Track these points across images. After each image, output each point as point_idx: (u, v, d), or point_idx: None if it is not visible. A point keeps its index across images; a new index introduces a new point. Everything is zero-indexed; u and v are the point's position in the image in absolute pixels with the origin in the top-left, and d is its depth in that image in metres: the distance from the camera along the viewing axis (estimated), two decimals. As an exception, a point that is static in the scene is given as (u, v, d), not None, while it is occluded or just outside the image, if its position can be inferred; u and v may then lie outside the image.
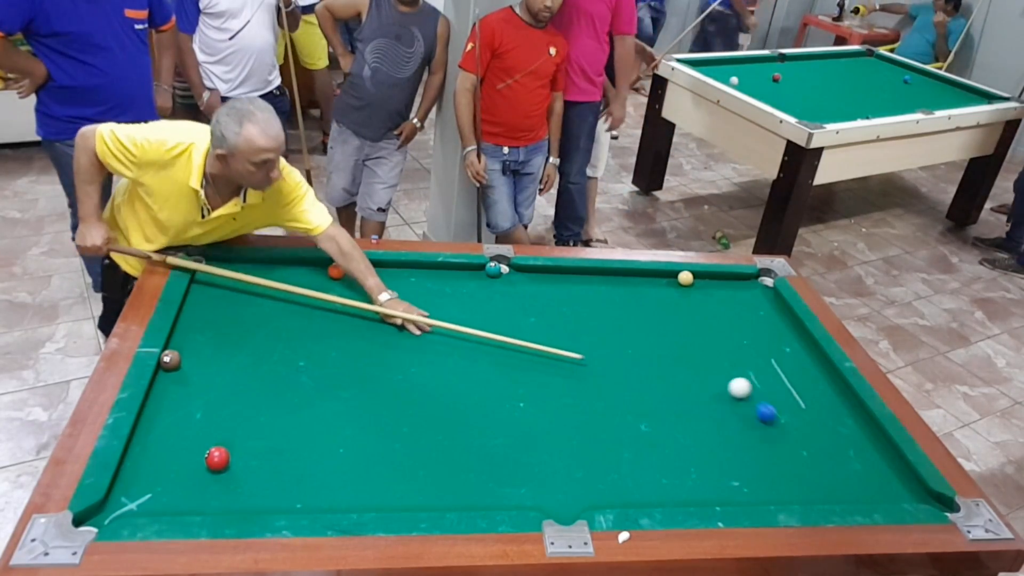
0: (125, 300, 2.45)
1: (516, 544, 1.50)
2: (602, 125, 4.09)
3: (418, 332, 2.16)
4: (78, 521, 1.43)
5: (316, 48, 4.87)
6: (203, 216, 2.20)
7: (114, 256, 2.45)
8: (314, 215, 2.31)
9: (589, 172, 4.07)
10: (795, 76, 5.03)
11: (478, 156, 3.38)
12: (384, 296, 2.19)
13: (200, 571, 1.39)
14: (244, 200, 2.21)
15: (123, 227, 2.35)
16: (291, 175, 2.28)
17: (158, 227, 2.25)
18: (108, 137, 2.12)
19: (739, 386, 2.02)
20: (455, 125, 3.43)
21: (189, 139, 2.12)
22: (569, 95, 3.64)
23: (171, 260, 2.22)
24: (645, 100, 5.12)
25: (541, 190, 3.71)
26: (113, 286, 2.54)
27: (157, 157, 2.11)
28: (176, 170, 2.12)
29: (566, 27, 3.52)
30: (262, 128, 2.04)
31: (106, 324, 2.70)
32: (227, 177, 2.13)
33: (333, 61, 4.80)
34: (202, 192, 2.13)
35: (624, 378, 2.06)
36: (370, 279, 2.23)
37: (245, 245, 2.41)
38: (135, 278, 2.43)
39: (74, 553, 1.37)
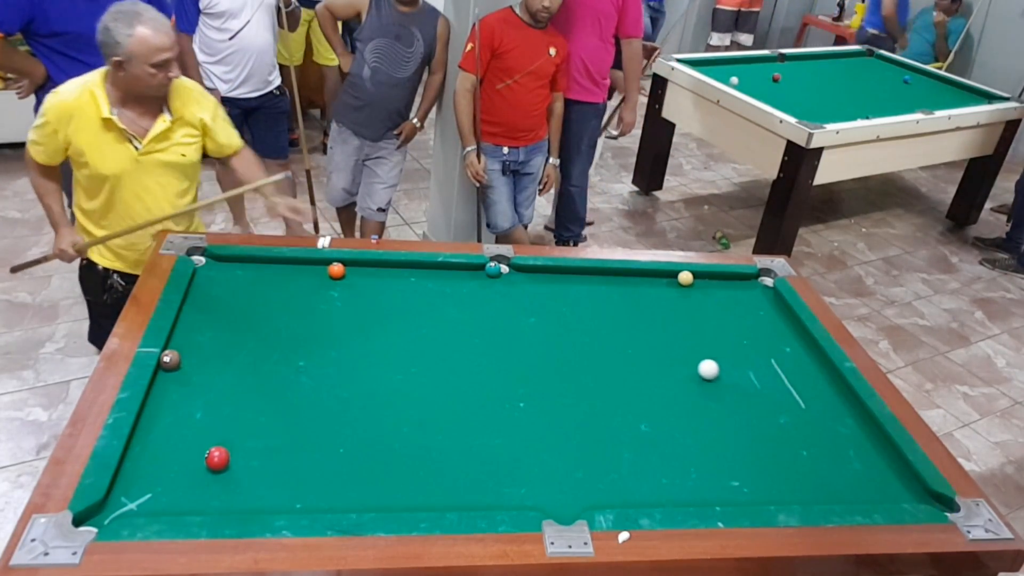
0: (107, 300, 2.47)
1: (516, 544, 1.50)
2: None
3: (298, 218, 2.40)
4: (78, 521, 1.43)
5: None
6: (137, 148, 2.21)
7: (88, 253, 2.44)
8: (232, 133, 2.43)
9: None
10: (795, 76, 5.04)
11: (478, 156, 3.38)
12: (276, 196, 2.38)
13: (200, 571, 1.39)
14: (170, 114, 2.24)
15: (84, 227, 2.37)
16: (205, 91, 2.39)
17: (107, 187, 2.25)
18: (30, 135, 2.24)
19: (708, 368, 2.06)
20: (455, 125, 3.44)
21: (82, 81, 2.17)
22: (572, 94, 3.64)
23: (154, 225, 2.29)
24: (645, 100, 5.12)
25: (541, 190, 3.71)
26: (93, 287, 2.53)
27: (63, 110, 2.15)
28: (86, 113, 2.15)
29: (571, 25, 3.51)
30: (154, 27, 2.06)
31: (96, 335, 2.68)
32: (132, 92, 2.15)
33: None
34: (116, 118, 2.15)
35: (624, 378, 2.06)
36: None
37: (245, 244, 2.41)
38: (116, 272, 2.45)
39: (74, 553, 1.37)
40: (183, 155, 2.31)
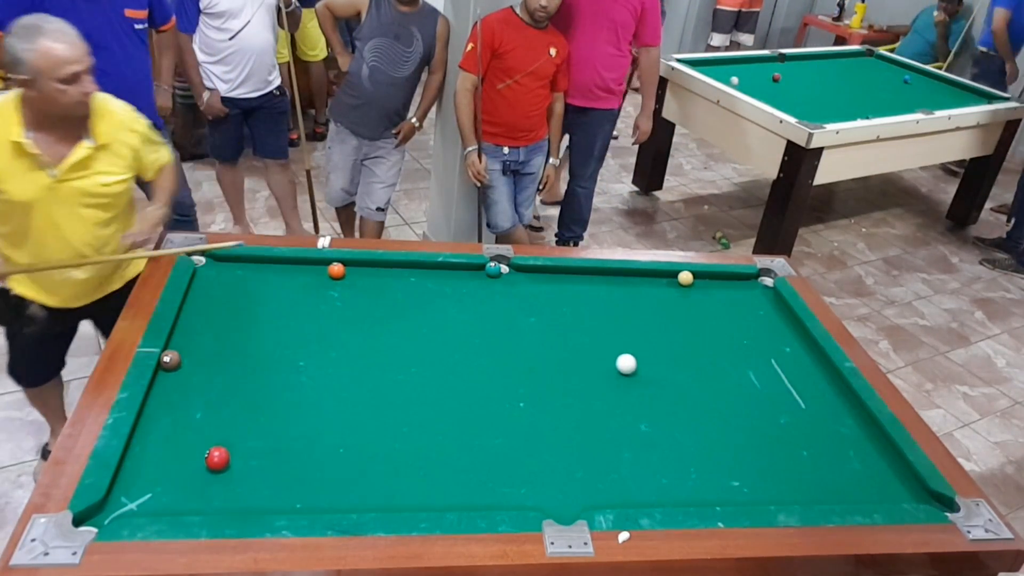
0: (28, 331, 2.26)
1: (516, 544, 1.50)
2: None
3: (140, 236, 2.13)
4: (78, 521, 1.43)
5: (316, 40, 4.92)
6: (53, 175, 2.00)
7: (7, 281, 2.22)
8: (159, 151, 2.30)
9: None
10: (795, 76, 5.04)
11: (479, 156, 3.38)
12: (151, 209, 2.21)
13: (200, 571, 1.39)
14: (93, 141, 2.05)
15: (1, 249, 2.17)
16: (136, 115, 2.22)
17: (18, 213, 2.03)
18: None
19: (626, 362, 2.05)
20: (455, 125, 3.43)
21: None
22: (587, 102, 3.65)
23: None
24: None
25: (540, 191, 3.71)
26: (6, 315, 2.28)
27: None
28: None
29: (586, 34, 3.50)
30: (58, 39, 1.89)
31: (17, 366, 2.45)
32: (48, 113, 1.96)
33: (331, 56, 4.87)
34: (29, 142, 1.95)
35: (624, 378, 2.06)
36: (156, 202, 2.25)
37: (245, 244, 2.41)
38: (32, 302, 2.24)
39: (74, 553, 1.37)
40: (104, 184, 2.10)
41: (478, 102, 3.33)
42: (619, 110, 3.87)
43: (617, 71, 3.67)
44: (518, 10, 3.28)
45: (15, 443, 2.75)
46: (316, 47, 5.00)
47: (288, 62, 3.76)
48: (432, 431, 1.80)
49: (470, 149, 3.39)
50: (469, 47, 3.26)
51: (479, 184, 3.46)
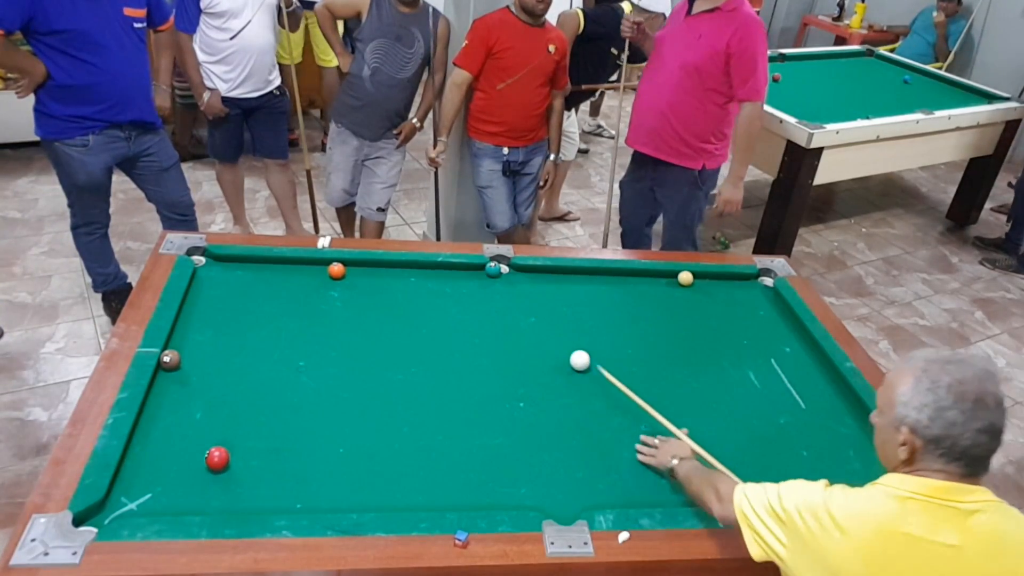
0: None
1: (516, 544, 1.50)
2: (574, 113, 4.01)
3: None
4: (78, 521, 1.43)
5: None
6: None
7: None
8: None
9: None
10: (795, 76, 5.03)
11: (438, 146, 3.44)
12: None
13: (200, 571, 1.39)
14: None
15: None
16: None
17: None
18: None
19: (579, 359, 2.05)
20: (454, 125, 3.44)
21: None
22: (660, 153, 3.27)
23: None
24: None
25: (541, 186, 3.71)
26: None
27: None
28: None
29: (660, 73, 3.20)
30: None
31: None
32: None
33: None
34: None
35: (624, 378, 2.06)
36: None
37: (245, 244, 2.41)
38: None
39: (74, 553, 1.37)
40: None
41: (467, 99, 3.31)
42: (703, 172, 3.27)
43: (697, 124, 3.15)
44: (514, 9, 3.28)
45: (15, 443, 2.75)
46: (329, 52, 4.95)
47: (290, 64, 3.76)
48: (432, 431, 1.80)
49: (441, 139, 3.42)
50: (465, 44, 3.28)
51: (433, 168, 3.53)
